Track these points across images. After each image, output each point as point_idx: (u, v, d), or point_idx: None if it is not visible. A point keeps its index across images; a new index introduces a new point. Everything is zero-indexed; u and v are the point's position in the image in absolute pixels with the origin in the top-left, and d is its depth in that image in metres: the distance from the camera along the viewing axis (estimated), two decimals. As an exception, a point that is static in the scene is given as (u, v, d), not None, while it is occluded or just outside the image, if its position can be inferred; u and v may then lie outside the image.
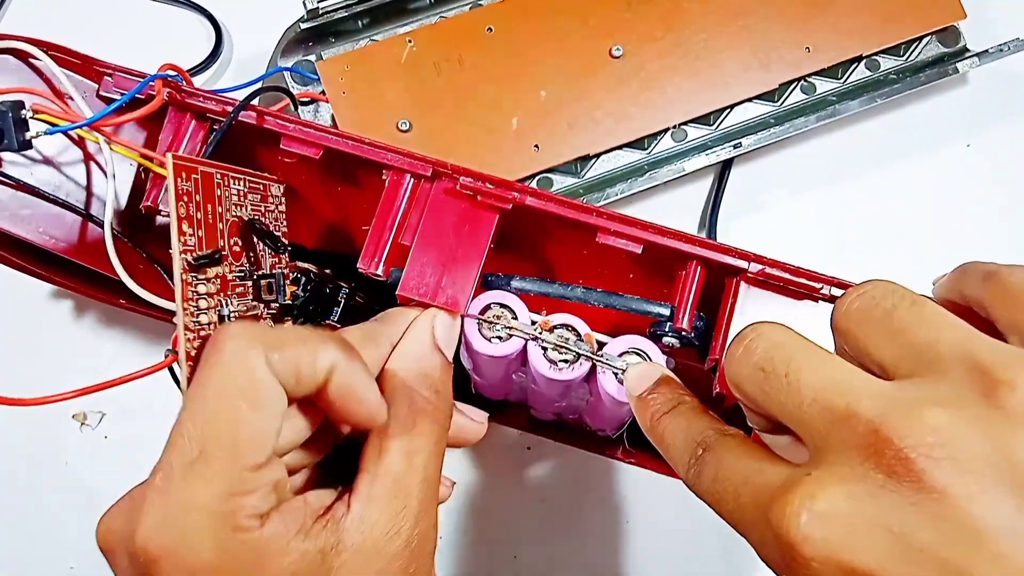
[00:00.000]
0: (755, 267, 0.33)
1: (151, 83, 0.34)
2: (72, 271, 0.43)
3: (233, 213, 0.33)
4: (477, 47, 0.49)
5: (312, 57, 0.49)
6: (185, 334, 0.30)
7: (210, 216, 0.32)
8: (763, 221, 0.52)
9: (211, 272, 0.32)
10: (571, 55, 0.50)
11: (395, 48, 0.49)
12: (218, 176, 0.32)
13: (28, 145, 0.34)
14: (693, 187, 0.53)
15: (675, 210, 0.52)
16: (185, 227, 0.30)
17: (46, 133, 0.34)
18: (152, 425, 0.46)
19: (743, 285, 0.33)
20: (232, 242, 0.33)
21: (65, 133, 0.34)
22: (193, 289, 0.31)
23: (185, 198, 0.30)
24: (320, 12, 0.48)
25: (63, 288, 0.45)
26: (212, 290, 0.31)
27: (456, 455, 0.48)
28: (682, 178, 0.50)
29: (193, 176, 0.31)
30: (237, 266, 0.33)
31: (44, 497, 0.46)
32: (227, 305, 0.32)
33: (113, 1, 0.54)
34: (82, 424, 0.47)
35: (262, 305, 0.35)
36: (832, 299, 0.32)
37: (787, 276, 0.33)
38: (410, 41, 0.49)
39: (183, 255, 0.30)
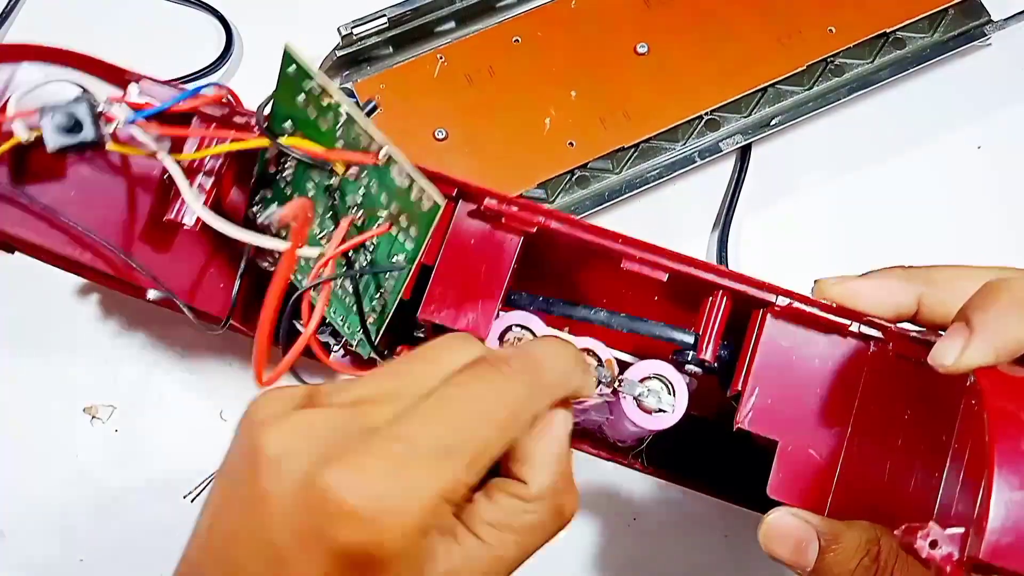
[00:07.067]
0: (783, 301, 0.32)
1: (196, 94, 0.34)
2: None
3: None
4: (506, 57, 0.50)
5: (348, 85, 0.51)
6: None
7: None
8: (779, 210, 0.52)
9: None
10: (597, 57, 0.51)
11: (427, 65, 0.50)
12: None
13: (103, 141, 0.32)
14: (716, 170, 0.52)
15: (697, 195, 0.52)
16: None
17: (128, 121, 0.32)
18: (162, 419, 0.47)
19: (769, 318, 0.32)
20: None
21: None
22: None
23: None
24: (354, 38, 0.50)
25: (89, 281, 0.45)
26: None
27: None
28: (704, 165, 0.50)
29: None
30: None
31: (54, 490, 0.45)
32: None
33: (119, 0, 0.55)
34: (93, 418, 0.47)
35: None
36: (861, 336, 0.31)
37: (815, 311, 0.32)
38: (441, 57, 0.50)
39: None
